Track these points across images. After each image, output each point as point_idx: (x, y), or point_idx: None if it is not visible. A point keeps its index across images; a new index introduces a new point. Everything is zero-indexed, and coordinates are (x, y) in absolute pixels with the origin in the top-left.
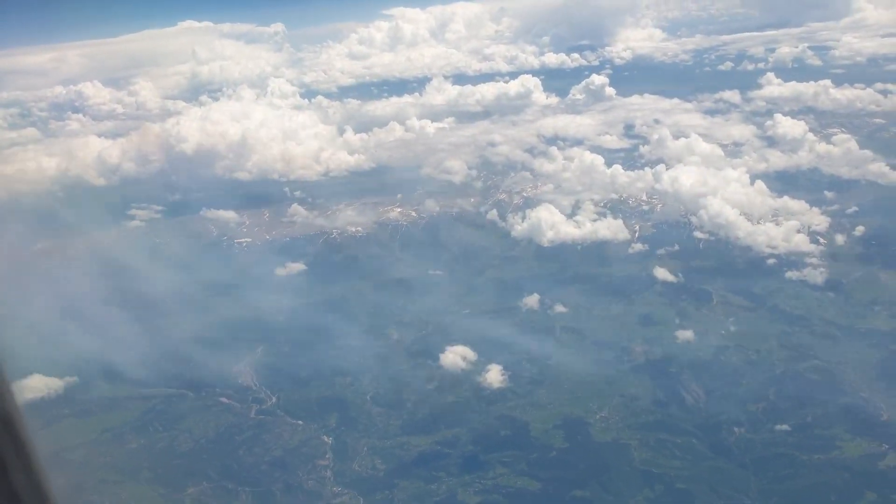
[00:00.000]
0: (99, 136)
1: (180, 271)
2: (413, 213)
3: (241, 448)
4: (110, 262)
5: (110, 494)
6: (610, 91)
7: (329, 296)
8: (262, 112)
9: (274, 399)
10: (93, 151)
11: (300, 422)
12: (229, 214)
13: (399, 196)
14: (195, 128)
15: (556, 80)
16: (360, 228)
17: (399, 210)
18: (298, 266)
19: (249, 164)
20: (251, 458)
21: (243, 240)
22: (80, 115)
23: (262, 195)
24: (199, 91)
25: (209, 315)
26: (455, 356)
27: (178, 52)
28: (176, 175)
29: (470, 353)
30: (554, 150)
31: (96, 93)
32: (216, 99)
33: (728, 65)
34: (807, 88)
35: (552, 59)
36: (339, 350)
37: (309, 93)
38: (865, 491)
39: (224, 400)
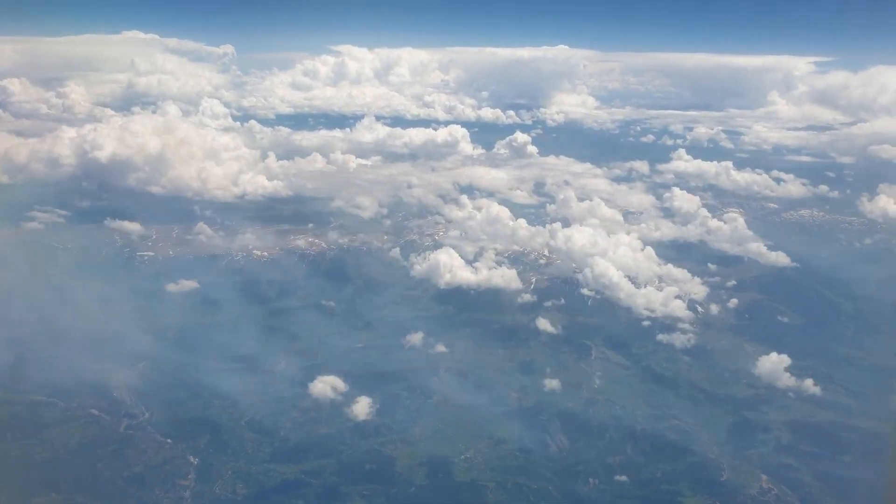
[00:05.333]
0: (15, 133)
1: (72, 279)
2: (322, 244)
3: (100, 461)
4: None
5: None
6: (532, 149)
7: (223, 317)
8: (186, 129)
9: (147, 415)
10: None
11: (169, 440)
12: (135, 227)
13: (310, 225)
14: (114, 137)
15: (489, 133)
16: (265, 253)
17: (308, 239)
18: (191, 284)
19: (164, 178)
20: (109, 472)
21: (146, 253)
22: (0, 111)
23: (173, 211)
24: (132, 102)
25: (94, 325)
26: (325, 386)
27: (118, 59)
28: (87, 182)
29: (340, 384)
30: (464, 198)
31: (23, 90)
32: (152, 112)
33: (650, 137)
34: (709, 167)
35: (488, 113)
36: (223, 372)
37: (244, 116)
38: None
39: (94, 412)
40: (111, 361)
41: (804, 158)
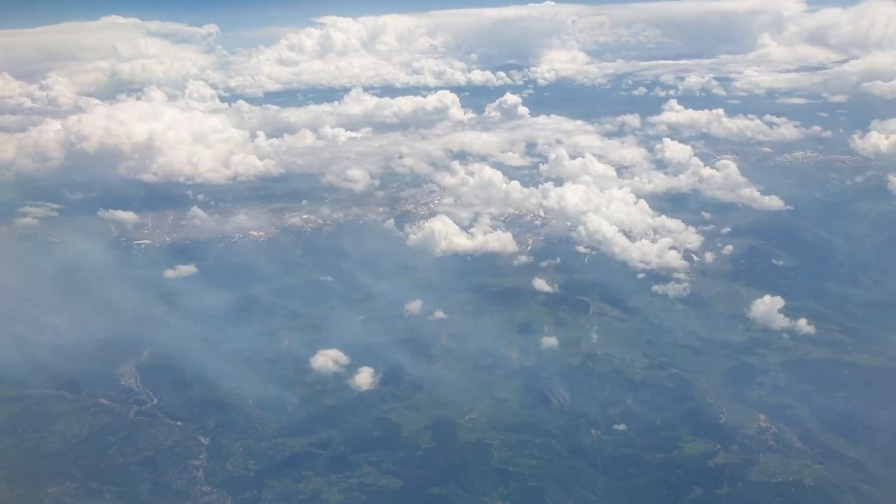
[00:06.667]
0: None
1: (71, 272)
2: (317, 220)
3: (112, 448)
4: None
5: None
6: (523, 110)
7: (223, 300)
8: (172, 114)
9: (155, 400)
10: None
11: (179, 423)
12: (129, 216)
13: (304, 202)
14: (100, 126)
15: (480, 96)
16: (261, 233)
17: (303, 216)
18: (189, 269)
19: (155, 165)
20: (122, 458)
21: (143, 241)
22: None
23: (166, 197)
24: (117, 89)
25: (96, 316)
26: (326, 359)
27: (99, 47)
28: (77, 174)
29: (342, 357)
30: (457, 164)
31: (4, 85)
32: (137, 98)
33: (641, 90)
34: (701, 116)
35: (478, 76)
36: (227, 354)
37: (232, 97)
38: (693, 486)
39: (103, 401)
40: (117, 351)
41: (796, 100)
